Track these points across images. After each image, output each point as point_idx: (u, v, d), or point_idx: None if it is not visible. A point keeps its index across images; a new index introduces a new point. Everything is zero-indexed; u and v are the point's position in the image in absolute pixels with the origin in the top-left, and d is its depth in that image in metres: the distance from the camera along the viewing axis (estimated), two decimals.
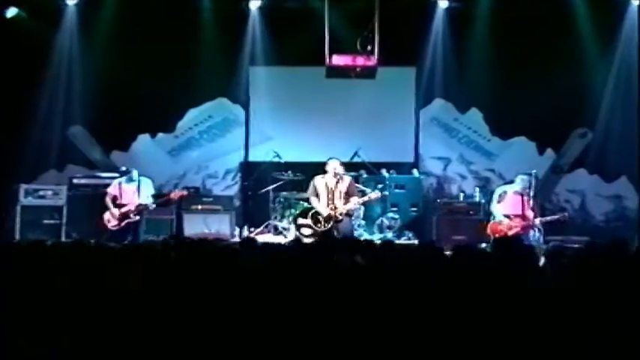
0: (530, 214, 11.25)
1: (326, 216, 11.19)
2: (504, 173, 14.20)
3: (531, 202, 11.34)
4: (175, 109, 14.51)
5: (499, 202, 11.55)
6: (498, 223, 11.35)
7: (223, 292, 4.62)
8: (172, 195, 12.13)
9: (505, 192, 11.56)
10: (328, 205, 11.19)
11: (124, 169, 12.13)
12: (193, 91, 14.35)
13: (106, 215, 11.74)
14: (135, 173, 11.95)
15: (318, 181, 11.35)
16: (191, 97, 14.48)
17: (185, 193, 12.35)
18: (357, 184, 12.08)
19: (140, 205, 11.71)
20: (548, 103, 13.57)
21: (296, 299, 4.54)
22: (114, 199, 11.78)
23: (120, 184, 11.89)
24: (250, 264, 5.54)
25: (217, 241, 7.56)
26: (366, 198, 11.46)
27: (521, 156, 14.14)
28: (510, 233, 11.06)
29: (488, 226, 11.50)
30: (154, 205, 11.90)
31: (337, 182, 11.22)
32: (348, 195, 11.24)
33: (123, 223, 11.63)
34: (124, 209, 11.68)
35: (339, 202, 11.16)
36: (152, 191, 11.96)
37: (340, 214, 11.13)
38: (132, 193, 11.81)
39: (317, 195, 11.31)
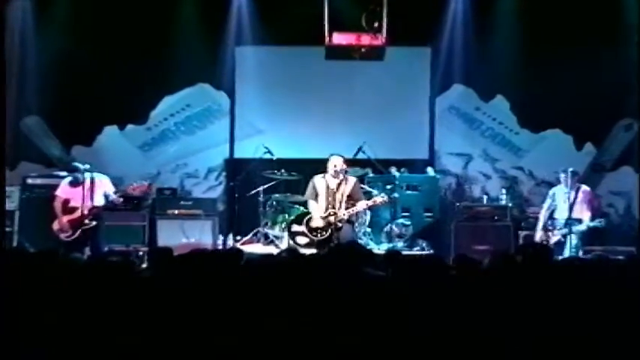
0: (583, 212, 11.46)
1: (324, 223, 11.15)
2: (535, 172, 14.26)
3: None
4: (148, 97, 14.50)
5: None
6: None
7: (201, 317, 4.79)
8: (131, 190, 11.55)
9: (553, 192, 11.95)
10: (327, 210, 11.15)
11: (78, 165, 11.50)
12: (169, 76, 14.28)
13: (55, 224, 11.23)
14: (84, 169, 11.26)
15: (318, 182, 11.29)
16: (166, 82, 14.42)
17: (146, 185, 11.85)
18: (362, 186, 12.03)
19: (94, 207, 11.18)
20: (588, 90, 13.49)
21: (290, 324, 4.66)
22: (64, 203, 11.26)
23: (71, 184, 11.37)
24: (235, 280, 5.58)
25: (198, 252, 7.46)
26: (370, 202, 11.38)
27: (556, 152, 14.13)
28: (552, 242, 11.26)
29: None
30: (115, 198, 11.34)
31: (340, 183, 11.17)
32: (351, 198, 11.19)
33: (77, 232, 11.15)
34: (74, 215, 11.18)
35: (339, 207, 11.12)
36: (112, 190, 11.46)
37: (340, 221, 11.10)
38: (84, 193, 11.16)
39: (316, 197, 11.28)
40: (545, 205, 11.90)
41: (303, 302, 5.02)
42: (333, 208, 11.08)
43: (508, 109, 14.52)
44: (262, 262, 6.47)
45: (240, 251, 7.65)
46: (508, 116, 14.54)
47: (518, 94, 14.26)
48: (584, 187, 11.64)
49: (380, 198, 11.34)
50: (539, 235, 11.70)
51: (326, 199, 11.15)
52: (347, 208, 11.12)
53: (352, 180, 11.32)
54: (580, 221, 11.49)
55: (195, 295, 5.21)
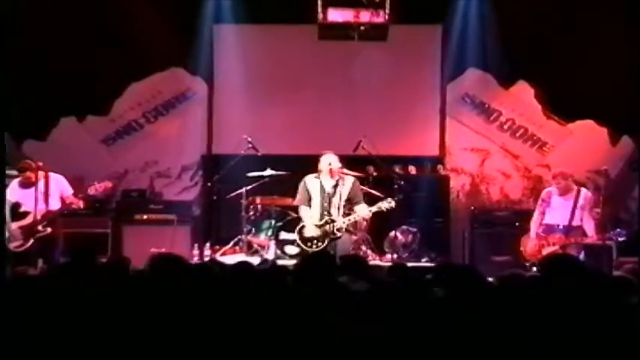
0: (589, 228, 11.08)
1: (320, 232, 11.01)
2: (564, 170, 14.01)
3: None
4: (111, 84, 14.41)
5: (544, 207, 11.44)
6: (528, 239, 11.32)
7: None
8: (92, 191, 11.26)
9: (548, 191, 11.52)
10: (322, 217, 11.01)
11: (30, 163, 11.28)
12: (136, 59, 14.20)
13: None
14: (37, 167, 11.13)
15: (311, 183, 11.16)
16: (132, 66, 14.36)
17: (110, 185, 11.63)
18: (362, 187, 11.93)
19: (49, 212, 11.06)
20: (626, 74, 13.23)
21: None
22: (14, 207, 11.06)
23: (21, 185, 11.24)
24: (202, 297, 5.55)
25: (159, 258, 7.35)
26: (374, 208, 11.23)
27: (588, 146, 14.19)
28: (545, 253, 10.83)
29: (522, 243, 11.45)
30: (74, 201, 11.16)
31: (336, 184, 11.05)
32: (350, 202, 11.05)
33: (30, 241, 10.98)
34: (26, 221, 11.03)
35: (338, 213, 11.00)
36: (70, 191, 11.27)
37: (339, 230, 10.95)
38: (37, 196, 11.03)
39: (309, 201, 11.13)
40: (540, 210, 11.60)
41: (278, 323, 5.04)
42: (330, 214, 10.94)
43: (532, 97, 14.54)
44: (233, 275, 6.37)
45: (212, 263, 7.56)
46: (532, 105, 14.56)
47: (544, 79, 14.20)
48: (586, 192, 11.40)
49: (386, 204, 11.11)
50: (530, 246, 11.42)
51: (321, 203, 11.04)
52: (346, 214, 10.98)
53: (350, 180, 11.20)
54: (583, 232, 11.24)
55: (151, 316, 5.20)
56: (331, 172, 11.04)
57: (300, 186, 11.30)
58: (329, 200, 11.02)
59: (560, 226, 11.07)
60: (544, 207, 11.27)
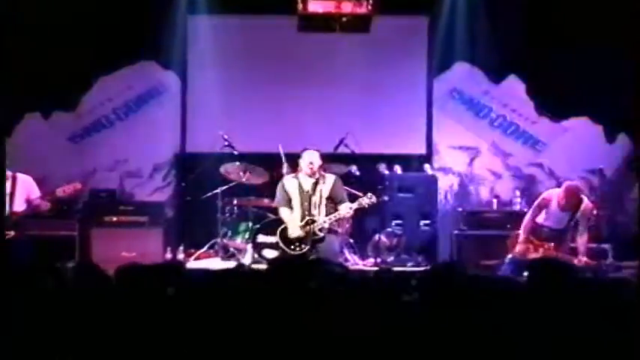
0: (581, 242, 11.02)
1: (304, 233, 10.95)
2: (556, 170, 14.25)
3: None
4: (78, 78, 14.29)
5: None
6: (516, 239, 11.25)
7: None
8: (59, 192, 11.19)
9: (548, 197, 11.31)
10: (304, 218, 10.97)
11: None
12: (105, 52, 14.14)
13: None
14: None
15: (289, 184, 11.06)
16: (101, 59, 14.28)
17: (79, 186, 11.47)
18: (345, 187, 11.88)
19: (14, 214, 10.93)
20: (622, 70, 13.31)
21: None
22: None
23: None
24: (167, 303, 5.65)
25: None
26: (355, 204, 11.17)
27: (583, 145, 14.24)
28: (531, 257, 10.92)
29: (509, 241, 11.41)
30: (40, 203, 11.00)
31: (316, 183, 10.94)
32: (332, 201, 10.98)
33: None
34: None
35: (318, 213, 10.95)
36: (37, 193, 11.17)
37: (321, 230, 10.92)
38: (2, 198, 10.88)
39: (289, 202, 11.08)
40: (531, 215, 11.35)
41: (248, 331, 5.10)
42: (311, 214, 10.88)
43: (523, 93, 14.55)
44: (203, 280, 6.35)
45: (179, 266, 7.51)
46: (523, 101, 14.56)
47: (536, 73, 14.22)
48: (587, 202, 11.32)
49: (366, 199, 11.08)
50: (519, 249, 11.37)
51: (301, 204, 10.93)
52: (328, 214, 10.93)
53: (331, 178, 11.11)
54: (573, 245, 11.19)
55: (118, 322, 5.27)
56: (312, 171, 10.97)
57: (278, 187, 11.21)
58: (309, 200, 10.94)
59: (552, 230, 11.07)
60: (537, 212, 11.20)
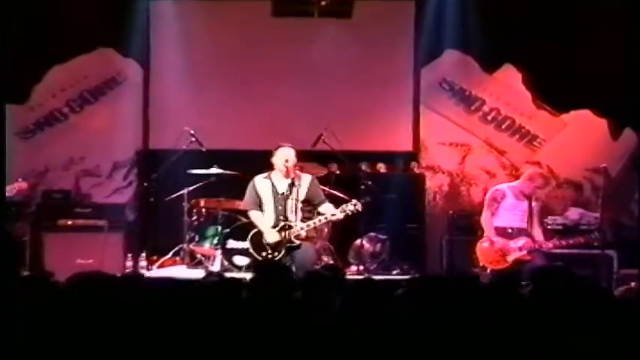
0: (537, 234, 11.14)
1: (276, 240, 10.85)
2: (556, 168, 14.28)
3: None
4: (29, 67, 14.23)
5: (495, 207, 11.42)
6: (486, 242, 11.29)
7: None
8: (8, 193, 11.39)
9: (502, 190, 11.48)
10: (278, 223, 10.86)
11: None
12: (58, 38, 14.07)
13: None
14: None
15: (261, 184, 10.93)
16: (55, 46, 14.22)
17: (24, 186, 11.82)
18: (323, 187, 11.83)
19: None
20: (627, 58, 13.37)
21: None
22: None
23: None
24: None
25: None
26: (339, 212, 11.08)
27: (584, 141, 14.29)
28: (511, 259, 11.00)
29: (477, 250, 11.44)
30: None
31: (292, 184, 10.83)
32: (309, 203, 10.88)
33: None
34: None
35: (294, 217, 10.84)
36: None
37: (297, 237, 10.81)
38: None
39: (260, 205, 10.97)
40: (491, 212, 11.44)
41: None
42: (286, 219, 10.78)
43: (519, 84, 14.63)
44: (167, 291, 6.33)
45: (137, 277, 7.45)
46: (519, 93, 14.66)
47: (534, 62, 14.29)
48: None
49: (350, 206, 10.92)
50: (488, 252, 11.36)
51: (274, 207, 10.82)
52: (306, 218, 10.84)
53: (307, 178, 11.01)
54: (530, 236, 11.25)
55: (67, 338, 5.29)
56: (287, 170, 10.86)
57: (249, 188, 11.06)
58: (284, 203, 10.83)
59: (513, 230, 11.16)
60: (495, 208, 11.30)
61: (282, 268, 7.60)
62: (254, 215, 10.95)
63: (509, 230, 11.12)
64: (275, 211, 10.81)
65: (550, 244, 11.01)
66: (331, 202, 11.20)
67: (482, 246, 11.24)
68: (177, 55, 14.51)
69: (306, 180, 10.94)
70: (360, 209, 10.91)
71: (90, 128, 14.56)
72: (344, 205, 10.86)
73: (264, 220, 10.88)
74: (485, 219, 11.29)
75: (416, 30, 14.56)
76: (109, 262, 12.43)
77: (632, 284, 9.93)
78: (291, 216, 10.76)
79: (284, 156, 10.80)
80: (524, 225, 11.13)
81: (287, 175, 10.83)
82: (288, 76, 14.46)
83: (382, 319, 5.73)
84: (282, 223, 10.75)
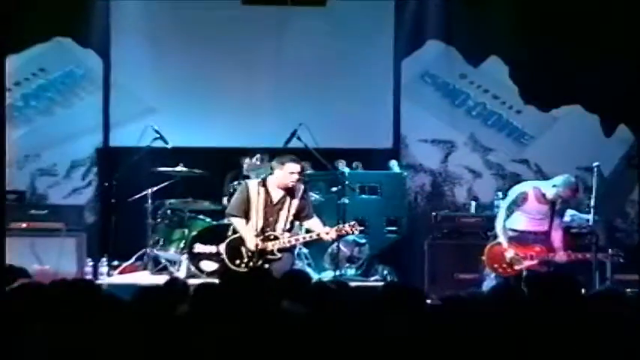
0: (557, 238, 11.08)
1: (257, 250, 10.73)
2: (545, 167, 14.27)
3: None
4: None
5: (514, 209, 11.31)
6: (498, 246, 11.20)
7: None
8: None
9: (525, 193, 11.27)
10: (264, 232, 10.69)
11: None
12: (11, 27, 13.78)
13: None
14: None
15: (255, 192, 10.73)
16: (7, 34, 13.95)
17: None
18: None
19: None
20: (620, 51, 13.49)
21: None
22: None
23: None
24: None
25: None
26: (333, 232, 10.77)
27: (576, 138, 14.31)
28: (519, 268, 10.95)
29: (486, 251, 11.35)
30: None
31: (286, 195, 10.70)
32: (298, 216, 10.82)
33: None
34: None
35: (282, 229, 10.71)
36: None
37: (280, 250, 10.65)
38: None
39: (245, 213, 10.81)
40: (505, 213, 11.37)
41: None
42: (274, 229, 10.69)
43: (507, 77, 14.63)
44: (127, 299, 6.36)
45: (92, 284, 7.35)
46: (507, 87, 14.68)
47: (522, 54, 14.34)
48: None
49: (347, 227, 10.83)
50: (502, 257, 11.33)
51: (264, 218, 10.70)
52: (290, 229, 10.79)
53: (300, 188, 10.89)
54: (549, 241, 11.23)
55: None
56: (292, 184, 10.69)
57: (239, 192, 10.96)
58: (276, 215, 10.71)
59: (533, 235, 11.12)
60: (515, 210, 11.20)
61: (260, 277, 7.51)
62: (237, 222, 10.81)
63: (526, 234, 11.07)
64: (264, 221, 10.68)
65: (564, 257, 10.90)
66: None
67: (492, 249, 11.17)
68: (140, 46, 14.47)
69: (299, 191, 10.84)
70: (357, 230, 10.88)
71: (46, 124, 14.51)
72: (341, 226, 10.81)
73: (248, 228, 10.73)
74: (499, 221, 11.21)
75: (396, 18, 14.56)
76: (67, 267, 12.47)
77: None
78: (279, 227, 10.66)
79: (293, 169, 10.65)
80: (542, 228, 11.03)
81: (285, 188, 10.72)
82: (260, 68, 14.44)
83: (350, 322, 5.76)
84: (268, 233, 10.65)
